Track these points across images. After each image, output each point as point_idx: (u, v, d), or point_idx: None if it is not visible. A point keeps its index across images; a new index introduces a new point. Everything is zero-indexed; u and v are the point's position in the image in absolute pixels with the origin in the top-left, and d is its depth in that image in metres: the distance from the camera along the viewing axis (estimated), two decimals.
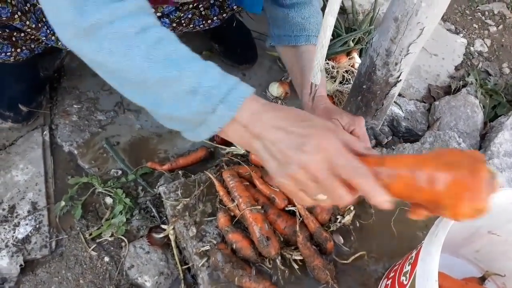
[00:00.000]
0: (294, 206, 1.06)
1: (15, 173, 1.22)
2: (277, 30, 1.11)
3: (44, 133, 1.30)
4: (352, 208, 1.08)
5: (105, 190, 1.20)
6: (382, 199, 0.58)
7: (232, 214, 1.07)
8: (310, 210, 1.06)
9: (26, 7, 0.97)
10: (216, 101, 0.61)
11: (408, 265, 0.85)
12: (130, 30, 0.62)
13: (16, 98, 1.25)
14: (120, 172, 1.26)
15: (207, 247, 1.03)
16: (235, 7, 1.18)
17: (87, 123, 1.33)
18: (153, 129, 1.35)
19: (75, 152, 1.28)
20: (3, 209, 1.16)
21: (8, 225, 1.14)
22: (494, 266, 1.04)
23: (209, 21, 1.20)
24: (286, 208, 1.08)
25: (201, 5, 1.12)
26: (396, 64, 1.04)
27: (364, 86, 1.16)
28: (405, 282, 0.82)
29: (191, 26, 1.18)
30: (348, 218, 1.07)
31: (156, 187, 1.18)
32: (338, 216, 1.07)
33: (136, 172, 1.24)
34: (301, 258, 1.02)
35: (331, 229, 1.07)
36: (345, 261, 1.05)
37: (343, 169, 0.57)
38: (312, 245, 1.03)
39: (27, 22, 0.98)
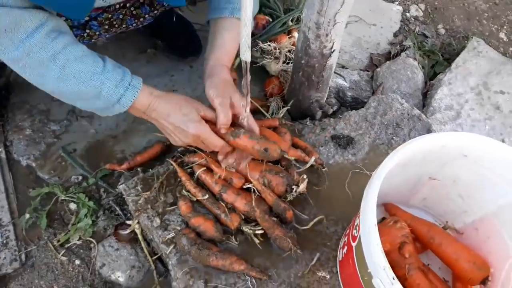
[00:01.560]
0: (251, 183, 1.12)
1: None
2: (211, 4, 1.16)
3: (0, 149, 1.31)
4: (305, 176, 1.14)
5: (67, 196, 1.22)
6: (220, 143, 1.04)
7: (193, 199, 1.12)
8: (267, 184, 1.12)
9: None
10: (113, 102, 0.94)
11: (358, 219, 0.91)
12: (44, 57, 0.85)
13: None
14: (80, 177, 1.28)
15: (172, 234, 1.07)
16: (164, 3, 1.22)
17: (42, 135, 1.35)
18: (107, 131, 1.38)
19: (33, 164, 1.29)
20: None
21: None
22: (440, 209, 1.12)
23: (141, 19, 1.23)
24: (244, 187, 1.13)
25: (128, 4, 1.15)
26: (327, 35, 1.11)
27: (303, 61, 1.22)
28: (355, 234, 0.89)
29: (124, 26, 1.21)
30: (302, 187, 1.12)
31: (117, 186, 1.21)
32: (294, 186, 1.13)
33: (96, 175, 1.27)
34: (262, 231, 1.08)
35: (289, 199, 1.13)
36: (306, 227, 1.11)
37: (203, 138, 1.02)
38: (272, 217, 1.09)
39: None
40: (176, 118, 1.00)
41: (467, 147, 0.90)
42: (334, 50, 1.16)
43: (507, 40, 1.84)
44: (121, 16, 1.17)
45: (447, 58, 1.66)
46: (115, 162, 1.29)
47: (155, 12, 1.23)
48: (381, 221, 1.09)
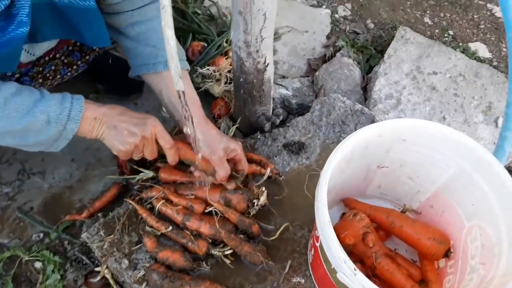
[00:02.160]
0: (211, 206, 1.13)
1: None
2: (133, 60, 1.13)
3: None
4: (263, 188, 1.16)
5: (31, 256, 1.20)
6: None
7: (158, 233, 1.12)
8: (228, 204, 1.14)
9: None
10: (65, 121, 0.92)
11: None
12: None
13: None
14: (42, 234, 1.26)
15: (143, 272, 1.07)
16: (95, 47, 1.24)
17: None
18: (62, 183, 1.36)
19: None
20: None
21: None
22: (396, 194, 1.17)
23: (74, 67, 1.24)
24: (206, 211, 1.15)
25: (58, 55, 1.16)
26: (257, 51, 1.15)
27: (241, 80, 1.25)
28: (317, 234, 0.92)
29: (58, 77, 1.21)
30: (263, 199, 1.15)
31: (81, 236, 1.20)
32: (254, 200, 1.15)
33: (57, 229, 1.25)
34: (231, 251, 1.09)
35: (252, 214, 1.15)
36: (273, 237, 1.13)
37: (158, 136, 1.02)
38: (239, 235, 1.11)
39: None
40: (129, 115, 1.00)
41: (402, 132, 0.96)
42: (268, 64, 1.21)
43: (432, 23, 1.95)
44: (53, 67, 1.17)
45: (380, 50, 1.75)
46: (74, 212, 1.28)
47: (87, 57, 1.24)
48: (341, 217, 1.13)
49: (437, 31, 1.92)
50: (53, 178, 1.37)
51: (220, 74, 1.49)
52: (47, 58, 1.12)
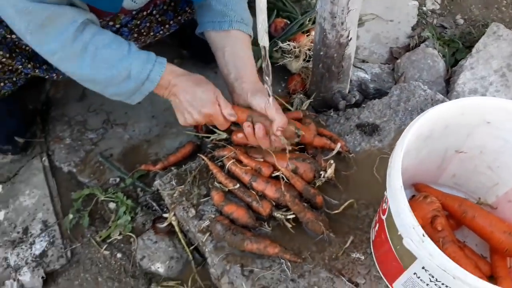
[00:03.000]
0: (279, 172, 1.15)
1: (22, 199, 1.31)
2: (202, 17, 1.19)
3: (43, 159, 1.40)
4: (331, 161, 1.16)
5: (107, 197, 1.28)
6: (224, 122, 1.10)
7: (225, 189, 1.16)
8: (295, 171, 1.15)
9: None
10: (143, 80, 1.01)
11: (385, 193, 0.93)
12: (76, 50, 0.95)
13: (11, 131, 1.36)
14: (118, 179, 1.35)
15: (207, 222, 1.11)
16: (187, 8, 1.30)
17: (80, 143, 1.43)
18: (141, 136, 1.45)
19: (74, 170, 1.37)
20: (18, 232, 1.25)
21: (24, 245, 1.23)
22: (471, 185, 1.12)
23: (167, 26, 1.31)
24: (273, 175, 1.16)
25: (155, 11, 1.23)
26: (342, 23, 1.14)
27: (322, 53, 1.26)
28: (385, 207, 0.90)
29: (151, 34, 1.29)
30: (330, 171, 1.14)
31: (153, 184, 1.27)
32: (321, 172, 1.15)
33: (133, 176, 1.33)
34: (293, 215, 1.10)
35: (317, 184, 1.16)
36: (337, 211, 1.13)
37: (213, 118, 1.09)
38: (302, 202, 1.12)
39: (1, 52, 1.09)
40: (194, 95, 1.06)
41: (488, 112, 0.91)
42: (351, 39, 1.20)
43: None
44: (148, 24, 1.25)
45: (468, 46, 1.66)
46: (149, 163, 1.35)
47: (179, 18, 1.30)
48: (411, 199, 1.09)
49: None
50: (133, 131, 1.46)
51: (299, 51, 1.50)
52: (144, 13, 1.20)
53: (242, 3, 1.19)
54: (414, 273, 0.84)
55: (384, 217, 0.91)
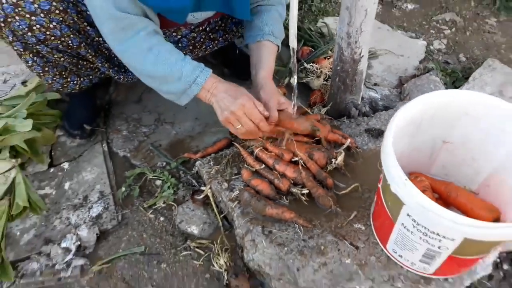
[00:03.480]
0: (297, 157, 1.38)
1: (84, 174, 1.58)
2: (246, 33, 1.49)
3: (103, 145, 1.68)
4: (342, 151, 1.39)
5: (154, 176, 1.53)
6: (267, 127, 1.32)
7: (253, 170, 1.40)
8: (311, 157, 1.38)
9: (88, 41, 1.40)
10: (191, 82, 1.24)
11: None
12: (143, 49, 1.19)
13: (81, 120, 1.66)
14: (164, 163, 1.60)
15: (237, 192, 1.34)
16: (234, 28, 1.61)
17: (135, 135, 1.71)
18: (186, 133, 1.72)
19: (128, 155, 1.64)
20: (79, 199, 1.50)
21: (84, 208, 1.47)
22: (458, 175, 1.31)
23: (216, 42, 1.62)
24: (292, 160, 1.40)
25: (208, 28, 1.55)
26: (356, 42, 1.42)
27: (338, 68, 1.53)
28: (380, 176, 1.12)
29: (203, 47, 1.60)
30: (340, 159, 1.37)
31: (194, 165, 1.52)
32: (332, 159, 1.38)
33: (177, 161, 1.59)
34: (307, 191, 1.32)
35: (329, 169, 1.38)
36: (344, 192, 1.34)
37: (249, 112, 1.26)
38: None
39: (89, 51, 1.40)
40: (230, 90, 1.27)
41: (469, 105, 1.13)
42: (363, 56, 1.47)
43: None
44: (202, 38, 1.56)
45: (466, 77, 1.90)
46: (191, 152, 1.61)
47: (227, 36, 1.62)
48: None
49: None
50: (179, 128, 1.73)
51: (321, 71, 1.78)
52: (200, 28, 1.51)
53: (276, 20, 1.49)
54: (402, 223, 1.04)
55: (380, 185, 1.13)
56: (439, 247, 1.00)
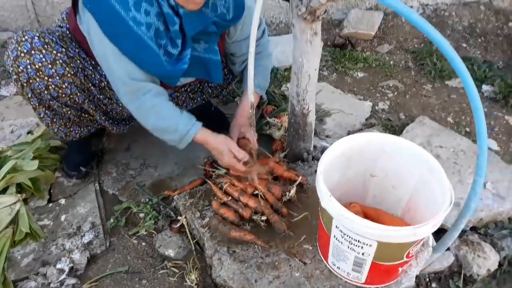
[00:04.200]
0: (258, 190, 1.66)
1: (79, 208, 1.80)
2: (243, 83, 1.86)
3: (96, 185, 1.92)
4: (294, 186, 1.67)
5: (138, 209, 1.77)
6: (239, 167, 1.62)
7: (221, 201, 1.66)
8: (269, 190, 1.66)
9: (91, 98, 1.70)
10: (184, 134, 1.55)
11: None
12: (149, 107, 1.50)
13: (78, 163, 1.91)
14: (147, 199, 1.84)
15: (207, 219, 1.59)
16: (209, 90, 1.95)
17: (123, 176, 1.96)
18: (166, 174, 1.98)
19: (117, 193, 1.88)
20: (73, 229, 1.72)
21: (77, 236, 1.68)
22: (387, 204, 1.58)
23: (195, 101, 1.95)
24: (254, 193, 1.67)
25: (189, 89, 1.88)
26: (303, 99, 1.74)
27: (292, 120, 1.85)
28: (319, 208, 1.39)
29: (184, 105, 1.92)
30: (292, 192, 1.64)
31: (173, 199, 1.77)
32: (287, 192, 1.66)
33: (158, 198, 1.84)
34: (266, 218, 1.58)
35: (284, 200, 1.65)
36: (296, 219, 1.60)
37: (230, 165, 1.63)
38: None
39: (91, 106, 1.70)
40: (219, 148, 1.61)
41: (385, 144, 1.43)
42: (310, 110, 1.79)
43: (453, 122, 2.43)
44: (183, 98, 1.89)
45: (402, 130, 2.26)
46: (170, 190, 1.87)
47: (204, 96, 1.95)
48: None
49: (455, 127, 2.39)
50: (161, 171, 2.00)
51: (281, 125, 2.10)
52: (183, 89, 1.84)
53: (263, 73, 1.85)
54: (334, 235, 1.30)
55: (319, 208, 1.40)
56: (363, 254, 1.25)
